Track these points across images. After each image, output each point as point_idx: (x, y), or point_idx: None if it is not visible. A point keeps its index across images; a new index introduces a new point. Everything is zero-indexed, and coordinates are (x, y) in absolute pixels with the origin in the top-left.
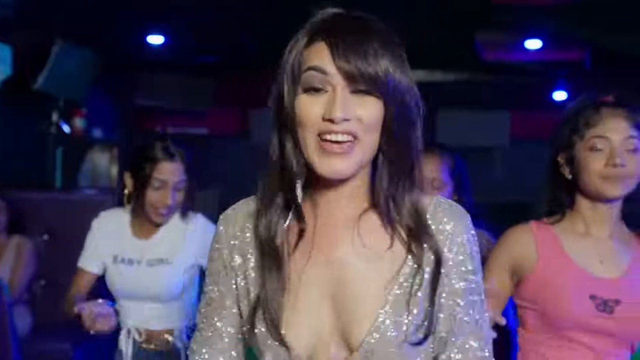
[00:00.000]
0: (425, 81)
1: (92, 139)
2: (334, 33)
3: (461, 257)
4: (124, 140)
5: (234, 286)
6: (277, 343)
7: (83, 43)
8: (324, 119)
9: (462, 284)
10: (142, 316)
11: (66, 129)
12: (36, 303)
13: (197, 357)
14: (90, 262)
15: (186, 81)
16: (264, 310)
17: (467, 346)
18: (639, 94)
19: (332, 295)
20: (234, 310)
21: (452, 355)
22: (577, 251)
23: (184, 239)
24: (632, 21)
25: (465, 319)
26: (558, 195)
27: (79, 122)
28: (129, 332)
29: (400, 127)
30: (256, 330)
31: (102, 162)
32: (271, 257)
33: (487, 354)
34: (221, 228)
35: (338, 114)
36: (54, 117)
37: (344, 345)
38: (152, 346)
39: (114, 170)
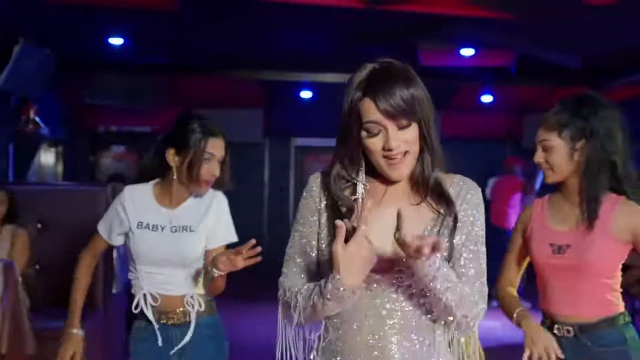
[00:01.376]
0: None
1: (40, 136)
2: (377, 92)
3: (471, 218)
4: (69, 138)
5: (317, 221)
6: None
7: (43, 43)
8: (384, 149)
9: (473, 231)
10: (159, 281)
11: (20, 125)
12: (30, 286)
13: (283, 281)
14: (104, 227)
15: (132, 81)
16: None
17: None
18: (557, 99)
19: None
20: (314, 244)
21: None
22: (550, 213)
23: (207, 210)
24: (553, 34)
25: (470, 265)
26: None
27: (31, 120)
28: (144, 296)
29: (429, 132)
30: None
31: (49, 159)
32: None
33: (476, 298)
34: (311, 184)
35: (393, 145)
36: (9, 114)
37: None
38: (167, 318)
39: (60, 167)
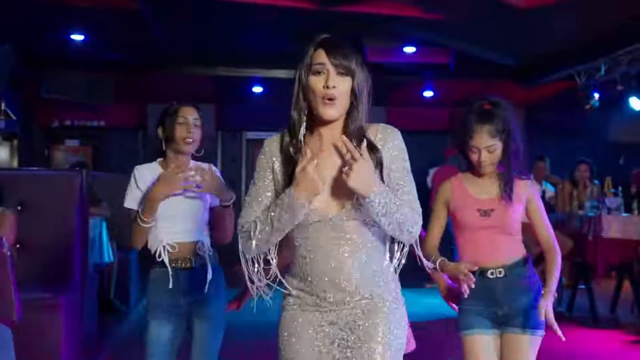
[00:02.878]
0: None
1: None
2: (327, 46)
3: (396, 152)
4: (24, 132)
5: (274, 178)
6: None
7: (3, 39)
8: (323, 87)
9: (400, 166)
10: (175, 232)
11: None
12: (14, 263)
13: (242, 220)
14: (132, 202)
15: (89, 77)
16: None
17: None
18: (492, 94)
19: (336, 180)
20: (268, 194)
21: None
22: (471, 186)
23: (203, 175)
24: (487, 35)
25: (405, 188)
26: (467, 162)
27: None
28: (164, 247)
29: (359, 93)
30: None
31: (3, 153)
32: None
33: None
34: (265, 147)
35: (330, 84)
36: None
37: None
38: (180, 262)
39: (15, 161)
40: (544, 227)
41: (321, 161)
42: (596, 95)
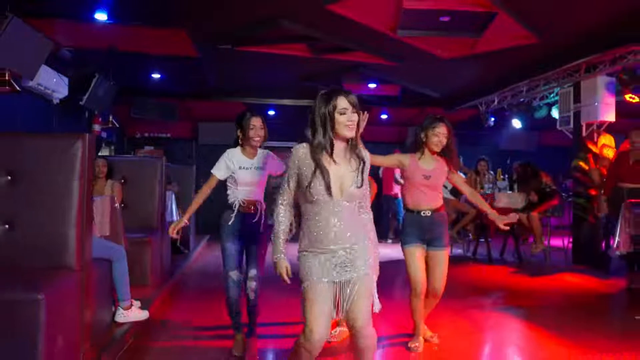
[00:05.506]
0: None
1: (101, 138)
2: (345, 96)
3: (367, 162)
4: (118, 140)
5: (303, 172)
6: (327, 193)
7: (110, 77)
8: (347, 121)
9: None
10: (245, 193)
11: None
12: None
13: (278, 206)
14: (219, 171)
15: (161, 103)
16: (323, 178)
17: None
18: (425, 116)
19: (340, 174)
20: (293, 182)
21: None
22: (420, 162)
23: (265, 159)
24: (423, 76)
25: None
26: (420, 146)
27: (110, 121)
28: (239, 202)
29: (360, 120)
30: (315, 185)
31: (106, 152)
32: (320, 164)
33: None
34: (295, 152)
35: (353, 118)
36: (84, 122)
37: (341, 192)
38: (245, 209)
39: None
40: (465, 185)
41: (334, 165)
42: (492, 119)
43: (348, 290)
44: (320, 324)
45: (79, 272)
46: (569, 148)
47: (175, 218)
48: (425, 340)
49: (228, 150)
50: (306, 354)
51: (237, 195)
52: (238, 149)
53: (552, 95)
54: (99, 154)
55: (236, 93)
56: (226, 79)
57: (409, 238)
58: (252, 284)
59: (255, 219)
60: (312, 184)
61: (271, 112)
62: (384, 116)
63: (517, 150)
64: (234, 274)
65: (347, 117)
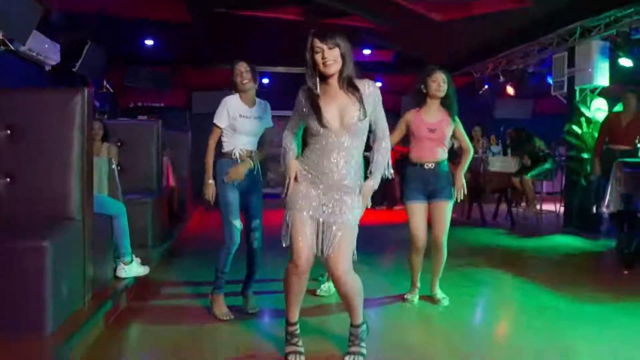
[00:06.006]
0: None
1: (94, 107)
2: (318, 35)
3: (377, 100)
4: (111, 109)
5: (303, 109)
6: (321, 125)
7: (101, 43)
8: (322, 59)
9: (380, 107)
10: (244, 143)
11: None
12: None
13: (285, 130)
14: (222, 121)
15: (154, 71)
16: (317, 115)
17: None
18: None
19: (340, 108)
20: (298, 123)
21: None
22: (424, 115)
23: (263, 108)
24: (417, 41)
25: (382, 121)
26: (420, 100)
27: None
28: (238, 150)
29: (345, 56)
30: (315, 120)
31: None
32: (314, 99)
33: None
34: (299, 95)
35: (325, 56)
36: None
37: (342, 124)
38: (245, 159)
39: None
40: (464, 139)
41: (329, 99)
42: (486, 86)
43: (330, 235)
44: (305, 246)
45: (81, 223)
46: (563, 115)
47: (173, 183)
48: (436, 300)
49: (226, 97)
50: (295, 279)
51: (235, 143)
52: (236, 97)
53: (547, 62)
54: None
55: (230, 61)
56: (220, 46)
57: (411, 193)
58: (256, 233)
59: (254, 169)
60: (313, 119)
61: (265, 81)
62: (378, 84)
63: (511, 119)
64: (237, 223)
65: (321, 56)
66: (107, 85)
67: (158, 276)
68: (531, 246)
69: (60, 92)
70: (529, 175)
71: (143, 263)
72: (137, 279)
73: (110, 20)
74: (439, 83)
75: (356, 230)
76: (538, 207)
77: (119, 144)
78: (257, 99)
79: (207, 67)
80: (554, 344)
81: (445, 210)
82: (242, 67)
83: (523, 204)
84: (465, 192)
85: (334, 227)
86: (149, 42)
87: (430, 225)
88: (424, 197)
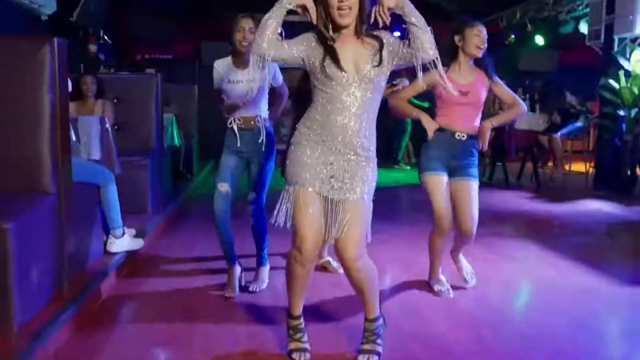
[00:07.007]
0: None
1: (99, 60)
2: None
3: (392, 40)
4: (117, 62)
5: (300, 47)
6: (339, 69)
7: None
8: (338, 2)
9: (397, 45)
10: (241, 110)
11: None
12: (114, 136)
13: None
14: (220, 84)
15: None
16: (332, 59)
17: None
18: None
19: (355, 54)
20: (293, 47)
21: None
22: (454, 75)
23: (260, 69)
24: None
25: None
26: (454, 55)
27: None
28: (234, 119)
29: (364, 8)
30: (326, 66)
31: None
32: (328, 46)
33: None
34: (305, 35)
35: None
36: (77, 42)
37: (357, 72)
38: (244, 127)
39: None
40: (509, 94)
41: (341, 45)
42: (512, 35)
43: (340, 214)
44: (311, 229)
45: (56, 196)
46: (592, 68)
47: (178, 142)
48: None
49: (216, 61)
50: (299, 268)
51: (234, 112)
52: (228, 59)
53: (580, 8)
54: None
55: (238, 9)
56: None
57: (433, 163)
58: (250, 208)
59: (258, 137)
60: (323, 66)
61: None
62: (397, 33)
63: (536, 71)
64: (221, 186)
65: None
66: (105, 36)
67: (156, 249)
68: (560, 212)
69: (23, 41)
70: (558, 133)
71: (138, 235)
72: (130, 254)
73: None
74: (482, 39)
75: (370, 207)
76: (567, 167)
77: (115, 100)
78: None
79: (214, 15)
80: (591, 332)
81: (474, 191)
82: (248, 25)
83: (550, 163)
84: (487, 148)
85: (344, 205)
86: None
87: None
88: (445, 170)
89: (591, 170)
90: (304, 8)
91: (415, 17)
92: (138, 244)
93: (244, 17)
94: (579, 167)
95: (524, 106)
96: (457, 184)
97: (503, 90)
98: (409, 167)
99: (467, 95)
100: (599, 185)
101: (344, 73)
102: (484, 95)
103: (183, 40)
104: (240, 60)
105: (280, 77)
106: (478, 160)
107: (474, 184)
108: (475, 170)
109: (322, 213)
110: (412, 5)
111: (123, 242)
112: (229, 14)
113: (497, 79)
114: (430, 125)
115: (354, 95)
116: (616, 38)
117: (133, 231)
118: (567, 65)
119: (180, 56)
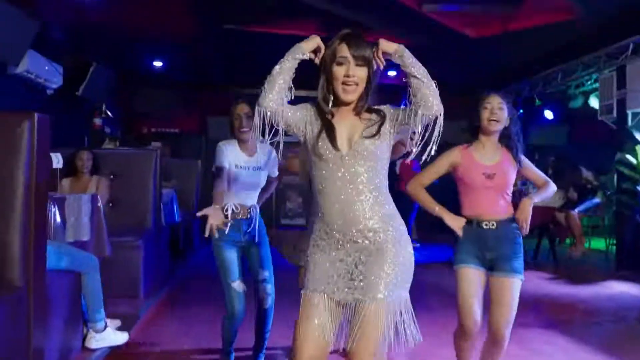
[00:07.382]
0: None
1: (105, 133)
2: (349, 40)
3: (393, 110)
4: (123, 135)
5: (300, 115)
6: (333, 147)
7: (108, 65)
8: (344, 76)
9: (399, 112)
10: (240, 198)
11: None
12: (106, 215)
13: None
14: (224, 163)
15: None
16: (327, 134)
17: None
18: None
19: (349, 128)
20: (291, 111)
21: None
22: (477, 155)
23: (265, 156)
24: (451, 60)
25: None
26: (473, 134)
27: (101, 116)
28: (230, 207)
29: (372, 78)
30: (320, 143)
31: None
32: (326, 120)
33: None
34: (308, 106)
35: (350, 73)
36: (84, 116)
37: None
38: (240, 215)
39: None
40: (539, 176)
41: (338, 119)
42: (520, 110)
43: (354, 320)
44: (314, 343)
45: (24, 290)
46: (603, 143)
47: (177, 218)
48: None
49: (220, 143)
50: None
51: (229, 198)
52: (234, 143)
53: (589, 83)
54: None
55: (244, 84)
56: (234, 67)
57: (463, 256)
58: (267, 286)
59: (251, 226)
60: (318, 142)
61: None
62: (402, 105)
63: (545, 145)
64: (236, 285)
65: (345, 71)
66: (107, 111)
67: (146, 340)
68: (583, 296)
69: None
70: (576, 210)
71: (125, 323)
72: (113, 350)
73: (117, 39)
74: (493, 109)
75: (391, 309)
76: (587, 245)
77: (112, 176)
78: (260, 144)
79: (220, 90)
80: None
81: (512, 289)
82: (243, 111)
83: (567, 241)
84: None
85: (359, 309)
86: (158, 64)
87: (488, 307)
88: (480, 262)
89: (612, 247)
90: (317, 51)
91: (415, 68)
92: (122, 338)
93: (239, 104)
94: (597, 243)
95: (554, 185)
96: (495, 280)
97: (533, 171)
98: (419, 244)
99: (493, 179)
100: (622, 264)
101: (337, 151)
102: (512, 177)
103: (189, 114)
104: (246, 146)
105: (276, 170)
106: (521, 250)
107: (516, 281)
108: (518, 263)
109: (333, 320)
110: (412, 55)
111: (104, 336)
112: (234, 88)
113: (525, 160)
114: (455, 223)
115: (351, 171)
116: (630, 113)
117: (118, 322)
118: (576, 140)
119: (186, 130)
